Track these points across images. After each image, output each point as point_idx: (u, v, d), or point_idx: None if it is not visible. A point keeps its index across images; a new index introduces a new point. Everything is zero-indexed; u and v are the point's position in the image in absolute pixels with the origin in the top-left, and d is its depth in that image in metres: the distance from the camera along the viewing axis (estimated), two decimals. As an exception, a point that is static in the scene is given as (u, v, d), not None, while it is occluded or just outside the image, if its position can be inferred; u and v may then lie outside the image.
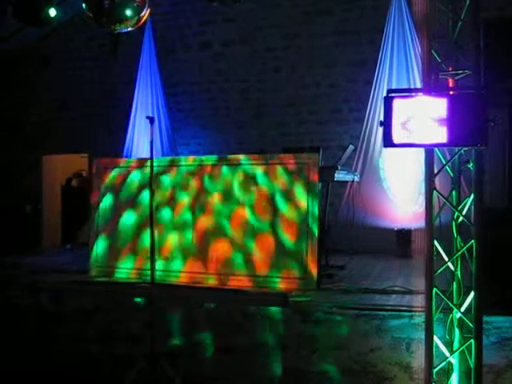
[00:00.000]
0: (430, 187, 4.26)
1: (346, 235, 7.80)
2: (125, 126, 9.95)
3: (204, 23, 10.35)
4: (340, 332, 5.05)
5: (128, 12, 5.81)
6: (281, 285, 6.05)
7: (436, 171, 4.29)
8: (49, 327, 6.20)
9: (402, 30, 8.55)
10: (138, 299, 5.94)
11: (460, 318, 4.25)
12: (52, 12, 7.14)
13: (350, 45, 9.31)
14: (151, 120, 5.69)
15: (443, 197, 4.28)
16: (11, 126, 11.16)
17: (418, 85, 7.91)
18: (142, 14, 5.95)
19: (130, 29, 6.06)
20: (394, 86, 8.29)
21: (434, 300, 4.21)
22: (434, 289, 4.21)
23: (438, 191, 4.25)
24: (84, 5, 5.93)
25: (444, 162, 4.31)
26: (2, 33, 9.55)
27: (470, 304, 4.17)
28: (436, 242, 4.28)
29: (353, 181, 7.62)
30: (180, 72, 10.44)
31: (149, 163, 5.76)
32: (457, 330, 4.29)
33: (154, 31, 9.93)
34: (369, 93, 8.66)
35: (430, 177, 4.28)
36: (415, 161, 8.04)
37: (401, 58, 8.55)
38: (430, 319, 4.22)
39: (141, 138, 9.73)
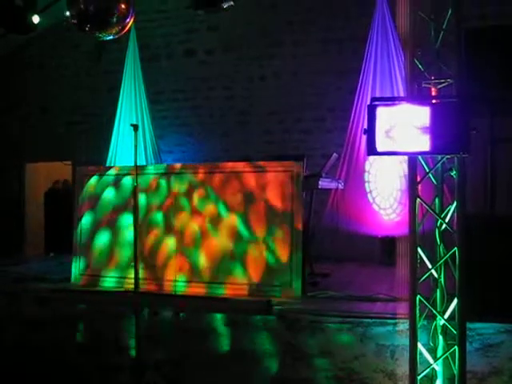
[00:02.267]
0: (413, 195, 4.28)
1: (331, 243, 7.81)
2: (109, 134, 9.90)
3: (188, 31, 10.35)
4: (324, 339, 5.05)
5: (112, 19, 5.80)
6: (265, 292, 6.04)
7: (419, 179, 4.32)
8: (31, 336, 6.13)
9: (386, 38, 8.61)
10: (122, 308, 5.91)
11: (444, 324, 4.26)
12: (35, 19, 7.13)
13: (333, 53, 9.36)
14: (135, 127, 5.69)
15: (426, 204, 4.31)
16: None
17: (402, 93, 7.98)
18: (126, 21, 5.94)
19: (113, 36, 6.05)
20: (377, 95, 8.34)
21: (417, 307, 4.23)
22: (418, 296, 4.23)
23: (421, 199, 4.27)
24: (68, 12, 5.92)
25: (427, 170, 4.34)
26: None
27: (454, 311, 4.20)
28: (419, 250, 4.30)
29: (337, 188, 7.64)
30: (164, 79, 10.43)
31: (132, 171, 5.75)
32: (440, 337, 4.31)
33: (138, 38, 9.90)
34: (353, 101, 8.71)
35: (413, 184, 4.30)
36: (398, 169, 8.12)
37: (384, 66, 8.61)
38: (414, 326, 4.23)
39: (125, 146, 9.68)
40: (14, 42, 10.34)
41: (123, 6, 5.76)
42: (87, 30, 5.85)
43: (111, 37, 6.05)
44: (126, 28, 6.07)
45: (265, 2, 9.77)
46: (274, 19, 9.73)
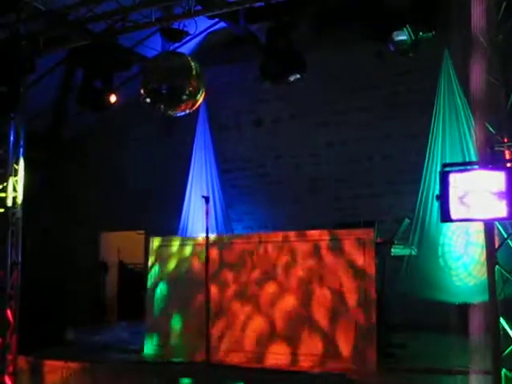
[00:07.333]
0: (491, 261, 4.13)
1: (406, 311, 7.55)
2: (180, 203, 10.12)
3: (256, 101, 10.63)
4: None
5: (183, 97, 5.99)
6: (337, 364, 5.85)
7: (497, 245, 4.17)
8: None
9: (453, 100, 8.52)
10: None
11: (532, 401, 4.00)
12: (113, 98, 7.51)
13: (400, 117, 9.33)
14: (206, 199, 5.83)
15: (506, 271, 4.14)
16: (70, 203, 11.56)
17: (473, 155, 7.81)
18: (197, 98, 6.12)
19: (184, 113, 6.25)
20: (447, 157, 8.20)
21: (502, 381, 4.00)
22: (503, 370, 4.00)
23: (500, 265, 4.11)
24: (142, 90, 6.20)
25: (505, 236, 4.19)
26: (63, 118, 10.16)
27: (543, 386, 3.94)
28: (502, 319, 4.10)
29: (410, 255, 7.46)
30: (233, 148, 10.67)
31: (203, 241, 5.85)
32: (530, 415, 4.04)
33: (208, 109, 10.22)
34: (422, 164, 8.57)
35: (491, 251, 4.16)
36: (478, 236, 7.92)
37: (453, 128, 8.49)
38: (500, 402, 3.99)
39: (196, 216, 9.83)
40: (93, 118, 10.91)
41: (194, 84, 5.97)
42: (160, 108, 6.08)
43: (182, 113, 6.24)
44: (197, 104, 6.24)
45: (329, 72, 9.93)
46: (339, 87, 9.85)
